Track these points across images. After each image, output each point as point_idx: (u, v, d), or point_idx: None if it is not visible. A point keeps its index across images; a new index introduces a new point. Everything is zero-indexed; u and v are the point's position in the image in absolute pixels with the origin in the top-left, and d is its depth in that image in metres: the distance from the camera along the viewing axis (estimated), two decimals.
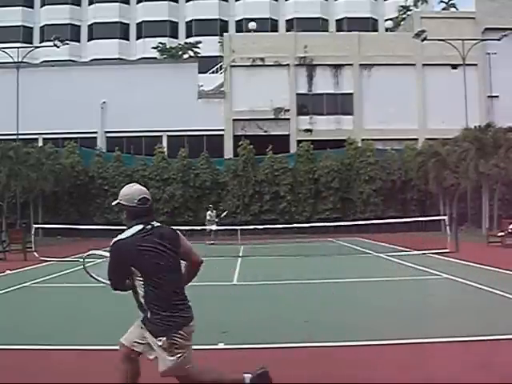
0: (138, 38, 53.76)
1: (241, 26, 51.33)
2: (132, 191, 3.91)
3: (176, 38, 52.60)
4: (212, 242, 23.67)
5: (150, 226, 3.81)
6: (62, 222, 24.68)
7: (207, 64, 43.21)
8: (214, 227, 24.57)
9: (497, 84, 35.90)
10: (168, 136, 36.16)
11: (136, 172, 32.79)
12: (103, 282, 4.04)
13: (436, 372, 5.10)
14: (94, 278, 4.27)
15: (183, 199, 31.95)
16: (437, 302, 9.27)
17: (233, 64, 36.82)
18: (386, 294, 10.08)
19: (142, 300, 3.75)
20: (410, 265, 13.88)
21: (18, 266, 14.84)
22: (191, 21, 53.43)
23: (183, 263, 3.98)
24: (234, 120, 36.34)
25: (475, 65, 35.49)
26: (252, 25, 41.45)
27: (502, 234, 19.43)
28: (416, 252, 16.92)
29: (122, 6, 53.95)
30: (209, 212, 26.29)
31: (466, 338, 6.15)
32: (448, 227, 18.38)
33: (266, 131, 36.14)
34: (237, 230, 22.89)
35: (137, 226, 3.79)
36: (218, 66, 42.69)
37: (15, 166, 27.65)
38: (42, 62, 44.13)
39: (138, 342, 3.87)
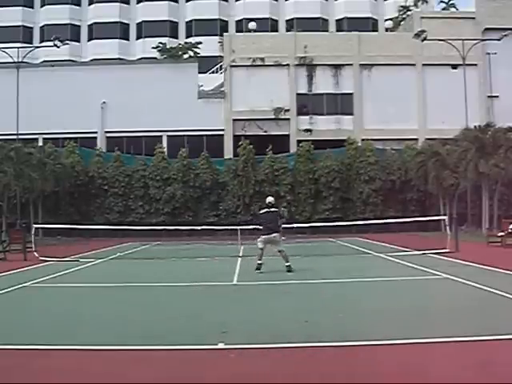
0: (138, 37, 53.69)
1: (241, 25, 51.25)
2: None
3: (176, 38, 52.50)
4: None
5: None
6: (62, 222, 24.66)
7: (207, 64, 43.15)
8: None
9: (497, 84, 35.89)
10: (168, 136, 36.14)
11: (136, 172, 32.79)
12: None
13: (436, 372, 5.10)
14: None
15: (183, 199, 31.94)
16: (437, 301, 9.26)
17: (233, 64, 36.80)
18: (386, 293, 10.07)
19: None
20: (410, 265, 13.87)
21: (18, 266, 14.84)
22: (191, 21, 53.36)
23: None
24: (234, 120, 36.31)
25: (475, 65, 35.46)
26: (252, 25, 41.42)
27: (502, 233, 19.43)
28: (416, 252, 16.90)
29: (122, 6, 53.87)
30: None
31: (466, 338, 6.15)
32: (448, 227, 18.38)
33: (265, 131, 36.11)
34: (237, 230, 22.85)
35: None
36: (218, 66, 42.63)
37: (17, 167, 27.64)
38: (42, 62, 44.06)
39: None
